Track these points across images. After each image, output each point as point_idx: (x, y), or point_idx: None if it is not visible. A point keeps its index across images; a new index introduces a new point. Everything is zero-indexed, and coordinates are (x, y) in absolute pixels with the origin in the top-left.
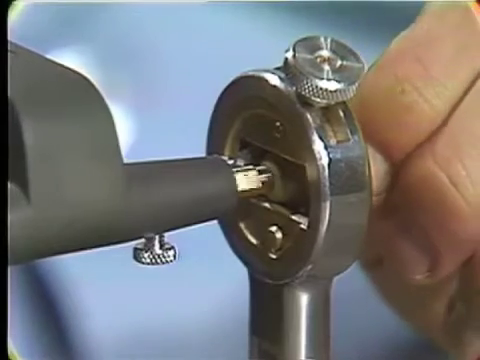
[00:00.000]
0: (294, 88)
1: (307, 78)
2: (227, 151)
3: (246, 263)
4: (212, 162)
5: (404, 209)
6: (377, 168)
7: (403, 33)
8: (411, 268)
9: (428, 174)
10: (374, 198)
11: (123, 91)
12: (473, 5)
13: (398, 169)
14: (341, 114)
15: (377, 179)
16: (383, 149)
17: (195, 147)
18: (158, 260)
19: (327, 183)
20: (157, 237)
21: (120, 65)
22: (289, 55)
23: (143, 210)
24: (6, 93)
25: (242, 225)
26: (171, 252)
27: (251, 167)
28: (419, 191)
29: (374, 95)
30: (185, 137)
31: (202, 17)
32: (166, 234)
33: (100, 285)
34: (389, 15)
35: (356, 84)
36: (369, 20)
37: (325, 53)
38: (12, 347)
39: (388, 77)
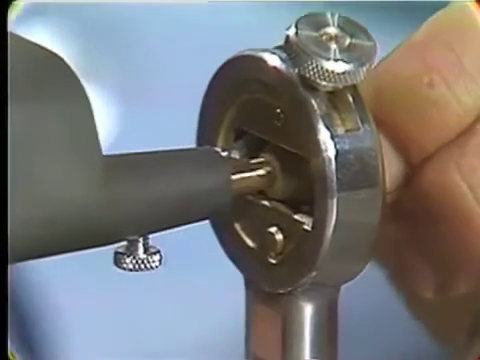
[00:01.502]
0: (296, 70)
1: (311, 58)
2: (220, 142)
3: (242, 269)
4: (203, 154)
5: (416, 214)
6: (391, 167)
7: (435, 15)
8: (418, 282)
9: (448, 182)
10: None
11: (110, 75)
12: (473, 5)
13: (414, 170)
14: (350, 99)
15: (389, 179)
16: (400, 146)
17: (185, 137)
18: (142, 266)
19: (334, 178)
20: (141, 240)
21: (109, 51)
22: (291, 32)
23: (125, 208)
24: (6, 93)
25: (237, 226)
26: (156, 257)
27: (248, 160)
28: (436, 198)
29: (395, 83)
30: (174, 125)
31: (194, 11)
32: (151, 236)
33: (79, 293)
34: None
35: (367, 65)
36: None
37: (332, 30)
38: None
39: (415, 64)
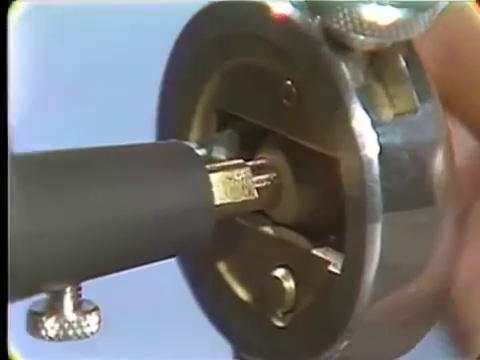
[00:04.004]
0: (318, 19)
1: (342, 2)
2: (195, 132)
3: (229, 335)
4: (168, 152)
5: None
6: (469, 165)
7: None
8: None
9: None
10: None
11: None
12: (473, 5)
13: None
14: (402, 64)
15: (469, 183)
16: None
17: (138, 127)
18: (70, 332)
19: (377, 190)
20: (69, 291)
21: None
22: None
23: (45, 239)
24: (6, 95)
25: (222, 266)
26: (93, 317)
27: (239, 162)
28: None
29: (474, 37)
30: (122, 109)
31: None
32: (85, 285)
33: None
34: None
35: (429, 12)
36: None
37: None
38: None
39: None
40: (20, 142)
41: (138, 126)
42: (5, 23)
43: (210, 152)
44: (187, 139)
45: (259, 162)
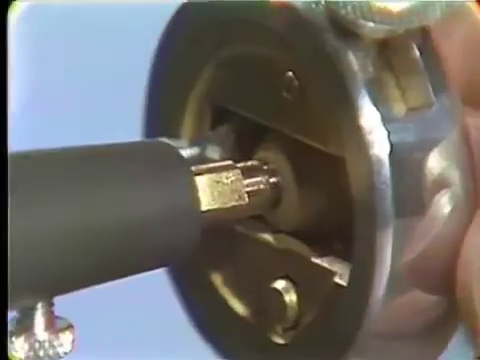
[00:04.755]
0: (323, 4)
1: None
2: (186, 129)
3: (225, 355)
4: (149, 152)
5: None
6: None
7: None
8: None
9: None
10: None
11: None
12: (473, 5)
13: None
14: (415, 54)
15: None
16: None
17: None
18: (41, 352)
19: (388, 193)
20: (40, 306)
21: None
22: None
23: (12, 246)
24: (6, 97)
25: (216, 278)
26: (66, 336)
27: (228, 164)
28: None
29: None
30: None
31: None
32: (57, 301)
33: None
34: None
35: None
36: None
37: None
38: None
39: None
40: (18, 142)
41: (138, 126)
42: (5, 23)
43: (203, 151)
44: (178, 137)
45: (250, 163)
